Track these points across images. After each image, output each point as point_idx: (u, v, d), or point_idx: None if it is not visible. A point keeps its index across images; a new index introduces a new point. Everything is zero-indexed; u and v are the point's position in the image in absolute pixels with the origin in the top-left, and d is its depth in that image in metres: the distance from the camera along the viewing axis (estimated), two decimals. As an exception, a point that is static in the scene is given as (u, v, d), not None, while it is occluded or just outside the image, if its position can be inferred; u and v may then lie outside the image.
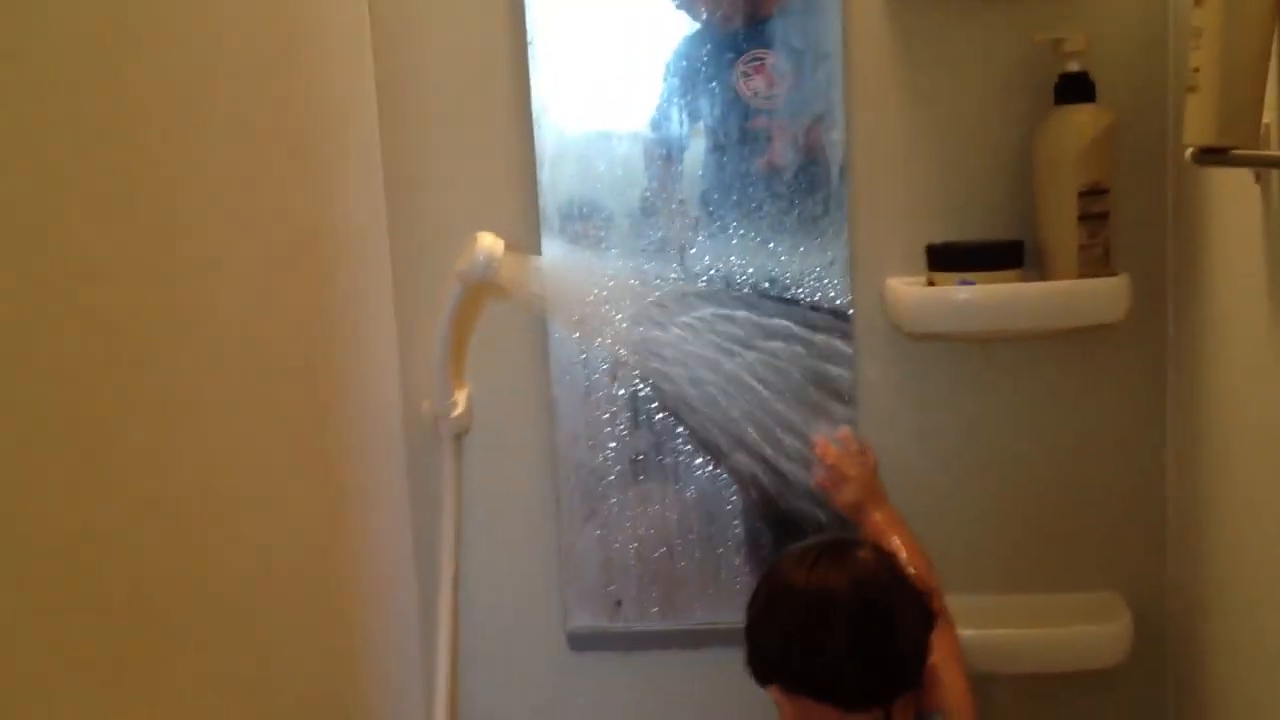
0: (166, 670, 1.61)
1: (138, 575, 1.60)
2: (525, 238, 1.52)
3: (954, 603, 1.48)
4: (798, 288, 1.50)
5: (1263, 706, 1.17)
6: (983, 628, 1.44)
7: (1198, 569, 1.40)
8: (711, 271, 1.51)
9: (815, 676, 1.18)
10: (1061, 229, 1.40)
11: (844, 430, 1.44)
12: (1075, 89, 1.39)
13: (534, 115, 1.50)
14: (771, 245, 1.50)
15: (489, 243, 1.45)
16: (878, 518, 1.39)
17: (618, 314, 1.52)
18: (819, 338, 1.50)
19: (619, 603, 1.56)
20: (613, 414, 1.54)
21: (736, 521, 1.54)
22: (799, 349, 1.51)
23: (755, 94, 1.49)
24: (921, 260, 1.46)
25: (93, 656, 1.50)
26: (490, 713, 1.62)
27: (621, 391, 1.53)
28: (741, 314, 1.51)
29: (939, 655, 1.23)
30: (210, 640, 1.62)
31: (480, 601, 1.60)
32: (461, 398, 1.55)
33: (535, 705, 1.62)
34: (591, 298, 1.52)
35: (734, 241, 1.50)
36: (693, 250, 1.51)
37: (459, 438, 1.57)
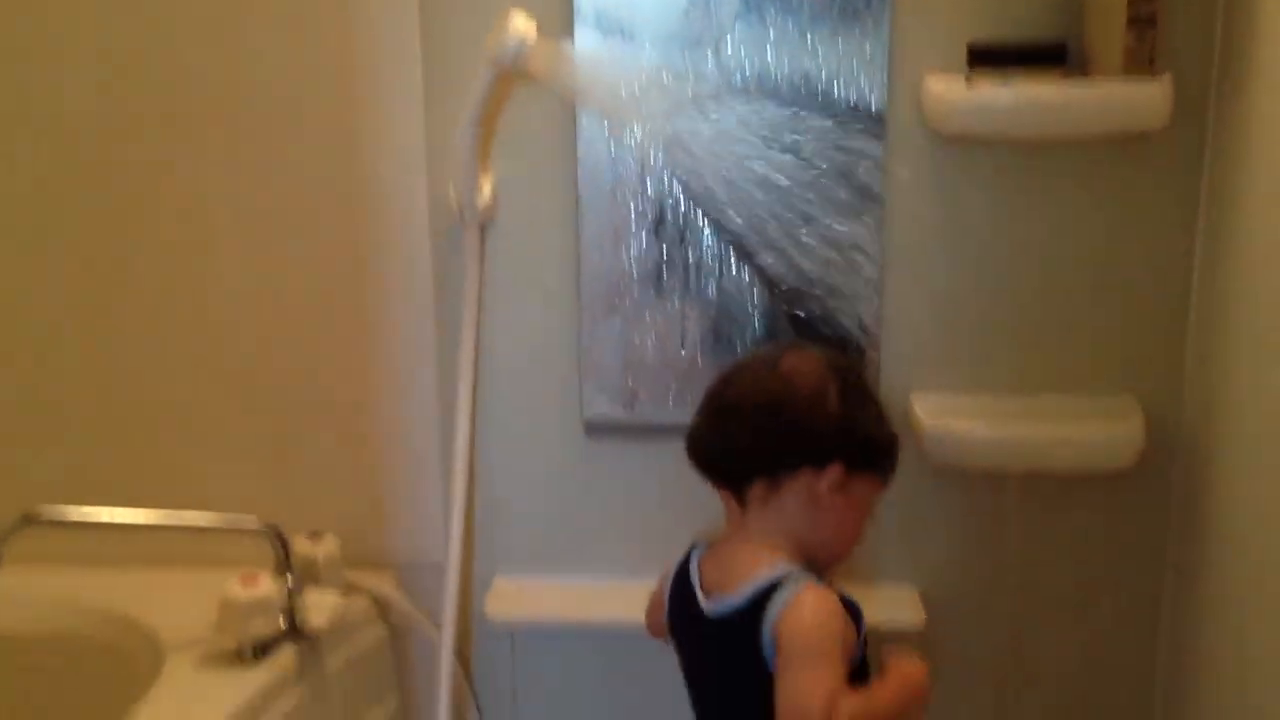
0: (200, 439, 1.66)
1: (167, 356, 1.63)
2: (558, 26, 1.48)
3: (970, 402, 1.52)
4: (833, 85, 1.47)
5: (1270, 521, 1.20)
6: (997, 426, 1.46)
7: (1216, 378, 1.41)
8: (746, 65, 1.47)
9: None
10: (1109, 31, 1.36)
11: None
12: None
13: (570, -103, 1.44)
14: (809, 38, 1.45)
15: (521, 24, 1.41)
16: None
17: (649, 107, 1.49)
18: (852, 138, 1.48)
19: (635, 393, 1.58)
20: (639, 210, 1.52)
21: (757, 318, 1.54)
22: (830, 148, 1.48)
23: (799, -124, 1.42)
24: (962, 59, 1.42)
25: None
26: (506, 496, 1.66)
27: (649, 187, 1.52)
28: (774, 110, 1.48)
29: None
30: (235, 423, 1.65)
31: (500, 389, 1.62)
32: (488, 187, 1.53)
33: (550, 489, 1.65)
34: (623, 89, 1.49)
35: (771, 33, 1.46)
36: (728, 43, 1.46)
37: (484, 227, 1.55)
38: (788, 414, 1.22)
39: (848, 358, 1.30)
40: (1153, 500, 1.56)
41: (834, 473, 1.21)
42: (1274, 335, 1.23)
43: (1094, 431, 1.48)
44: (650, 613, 1.40)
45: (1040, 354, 1.54)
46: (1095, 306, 1.52)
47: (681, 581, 1.31)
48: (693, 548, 1.33)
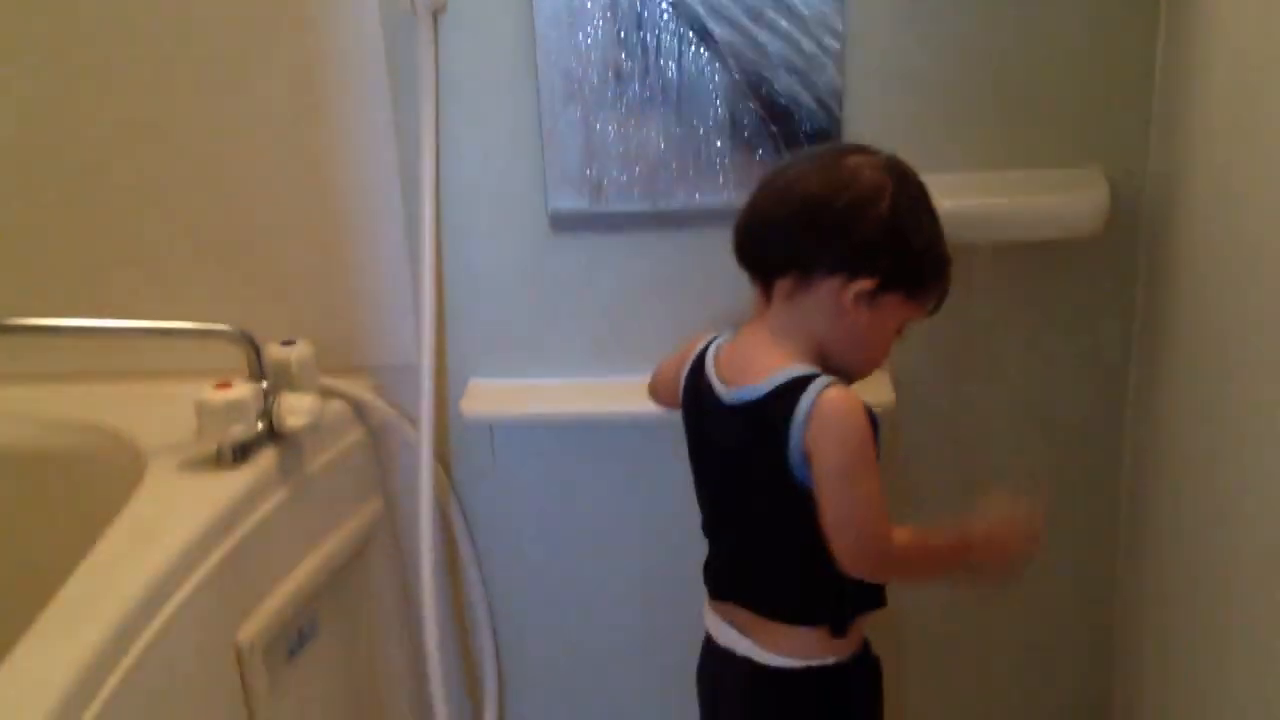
0: (164, 254, 1.65)
1: (128, 170, 1.61)
2: None
3: (939, 180, 1.51)
4: None
5: (1234, 278, 1.21)
6: (965, 198, 1.46)
7: (1179, 146, 1.40)
8: None
9: None
10: None
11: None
12: None
13: None
14: None
15: None
16: None
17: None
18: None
19: (600, 184, 1.57)
20: (594, -12, 1.49)
21: (719, 101, 1.52)
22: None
23: None
24: None
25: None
26: (474, 291, 1.66)
27: (602, -36, 1.48)
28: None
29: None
30: (198, 236, 1.64)
31: (463, 185, 1.60)
32: (437, -29, 1.50)
33: (517, 285, 1.65)
34: None
35: None
36: None
37: (436, 15, 1.52)
38: (835, 208, 1.18)
39: (905, 164, 1.23)
40: (1120, 266, 1.57)
41: (863, 284, 1.18)
42: (1233, 100, 1.22)
43: (1059, 200, 1.48)
44: (660, 378, 1.40)
45: (1006, 129, 1.53)
46: (1060, 80, 1.51)
47: (698, 369, 1.29)
48: (715, 337, 1.31)
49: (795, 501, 1.18)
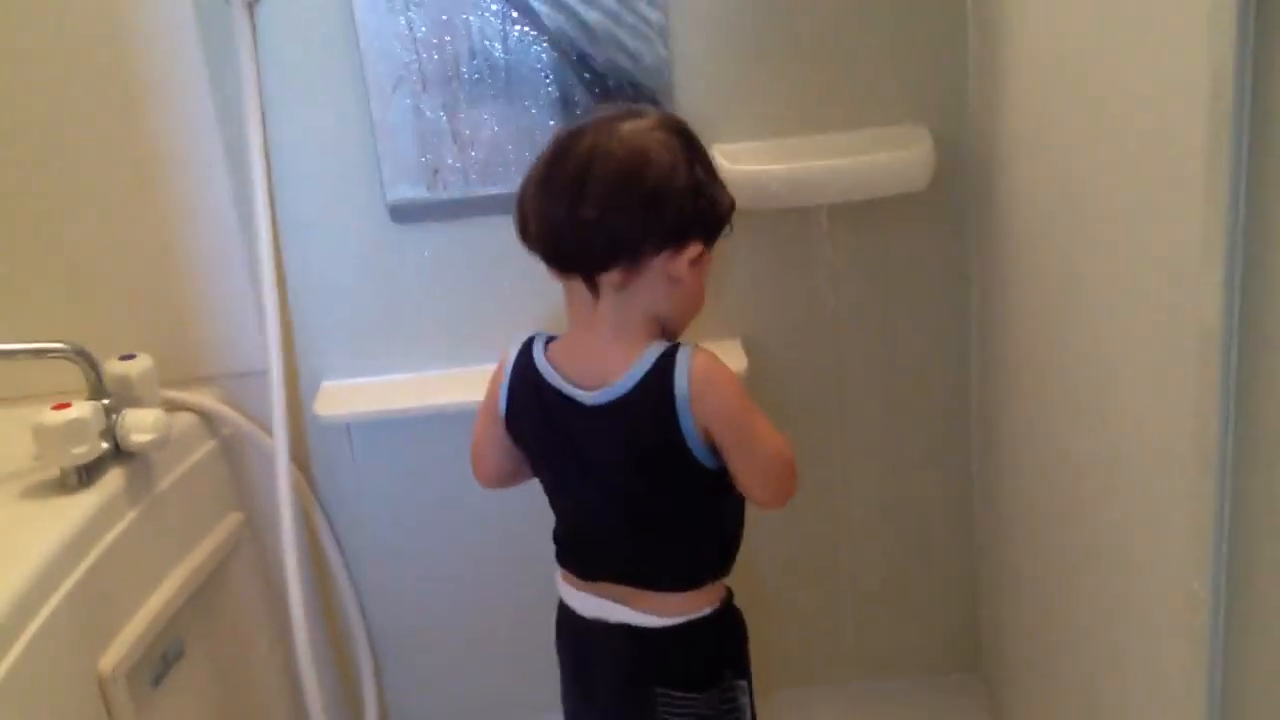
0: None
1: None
2: None
3: (770, 147, 1.54)
4: None
5: (1056, 219, 1.25)
6: (798, 161, 1.49)
7: (997, 96, 1.45)
8: None
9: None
10: None
11: None
12: None
13: None
14: None
15: None
16: None
17: None
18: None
19: (436, 171, 1.55)
20: (410, -31, 1.47)
21: (549, 79, 1.52)
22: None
23: None
24: None
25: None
26: (319, 290, 1.63)
27: (418, -55, 1.47)
28: None
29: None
30: (30, 255, 1.58)
31: (297, 180, 1.58)
32: (248, -40, 1.46)
33: (361, 278, 1.63)
34: None
35: None
36: None
37: (251, 6, 1.48)
38: (645, 190, 1.14)
39: (678, 117, 1.22)
40: (950, 218, 1.62)
41: (693, 250, 1.17)
42: (1042, 47, 1.26)
43: (888, 157, 1.52)
44: (481, 446, 1.35)
45: (830, 92, 1.57)
46: (878, 39, 1.54)
47: (528, 377, 1.26)
48: (529, 341, 1.28)
49: (694, 479, 1.20)
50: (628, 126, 1.16)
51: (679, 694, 1.27)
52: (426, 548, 1.76)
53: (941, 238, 1.63)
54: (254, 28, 1.49)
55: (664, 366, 1.17)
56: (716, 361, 1.19)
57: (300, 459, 1.70)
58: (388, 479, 1.72)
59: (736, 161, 1.51)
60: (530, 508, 1.50)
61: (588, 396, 1.21)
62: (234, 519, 1.64)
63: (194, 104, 1.52)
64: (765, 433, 1.22)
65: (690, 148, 1.18)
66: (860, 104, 1.56)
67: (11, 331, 1.51)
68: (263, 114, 1.52)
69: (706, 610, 1.27)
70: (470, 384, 1.59)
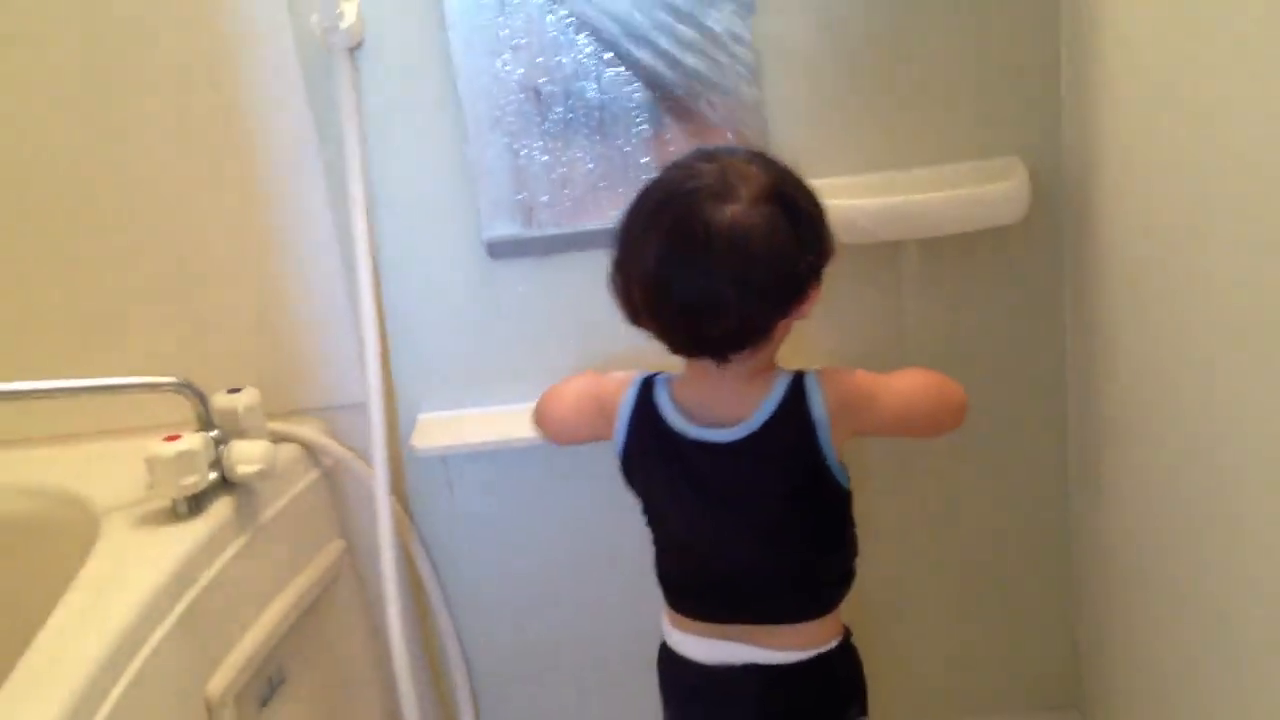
0: (104, 313, 1.64)
1: (67, 212, 1.60)
2: None
3: (861, 182, 1.54)
4: None
5: (1161, 255, 1.24)
6: (891, 195, 1.49)
7: (1091, 127, 1.44)
8: None
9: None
10: None
11: None
12: None
13: None
14: None
15: None
16: None
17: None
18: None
19: (531, 209, 1.58)
20: (507, 13, 1.51)
21: (640, 118, 1.55)
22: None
23: None
24: None
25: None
26: (415, 322, 1.67)
27: (516, -12, 1.50)
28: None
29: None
30: (139, 295, 1.64)
31: (396, 218, 1.61)
32: (350, 7, 1.50)
33: (458, 316, 1.66)
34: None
35: None
36: None
37: (352, 51, 1.53)
38: (773, 283, 1.17)
39: (767, 156, 1.23)
40: (1045, 253, 1.60)
41: (814, 294, 1.21)
42: (1143, 76, 1.25)
43: (981, 191, 1.51)
44: (558, 411, 1.40)
45: (922, 126, 1.56)
46: (970, 72, 1.54)
47: (651, 420, 1.28)
48: (648, 382, 1.31)
49: (834, 503, 1.27)
50: (732, 212, 1.14)
51: None
52: (523, 578, 1.79)
53: (1035, 273, 1.61)
54: (354, 70, 1.54)
55: (796, 395, 1.22)
56: (838, 377, 1.24)
57: (399, 490, 1.73)
58: (484, 510, 1.75)
59: (830, 196, 1.50)
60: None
61: (723, 435, 1.23)
62: (335, 547, 1.68)
63: (297, 145, 1.57)
64: (904, 388, 1.28)
65: (798, 192, 1.20)
66: (952, 137, 1.56)
67: (123, 366, 1.57)
68: (363, 154, 1.56)
69: (833, 643, 1.30)
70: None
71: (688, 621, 1.34)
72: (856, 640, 1.39)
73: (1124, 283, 1.37)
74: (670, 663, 1.38)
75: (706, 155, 1.22)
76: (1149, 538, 1.36)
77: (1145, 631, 1.42)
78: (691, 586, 1.35)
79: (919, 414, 1.29)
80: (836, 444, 1.23)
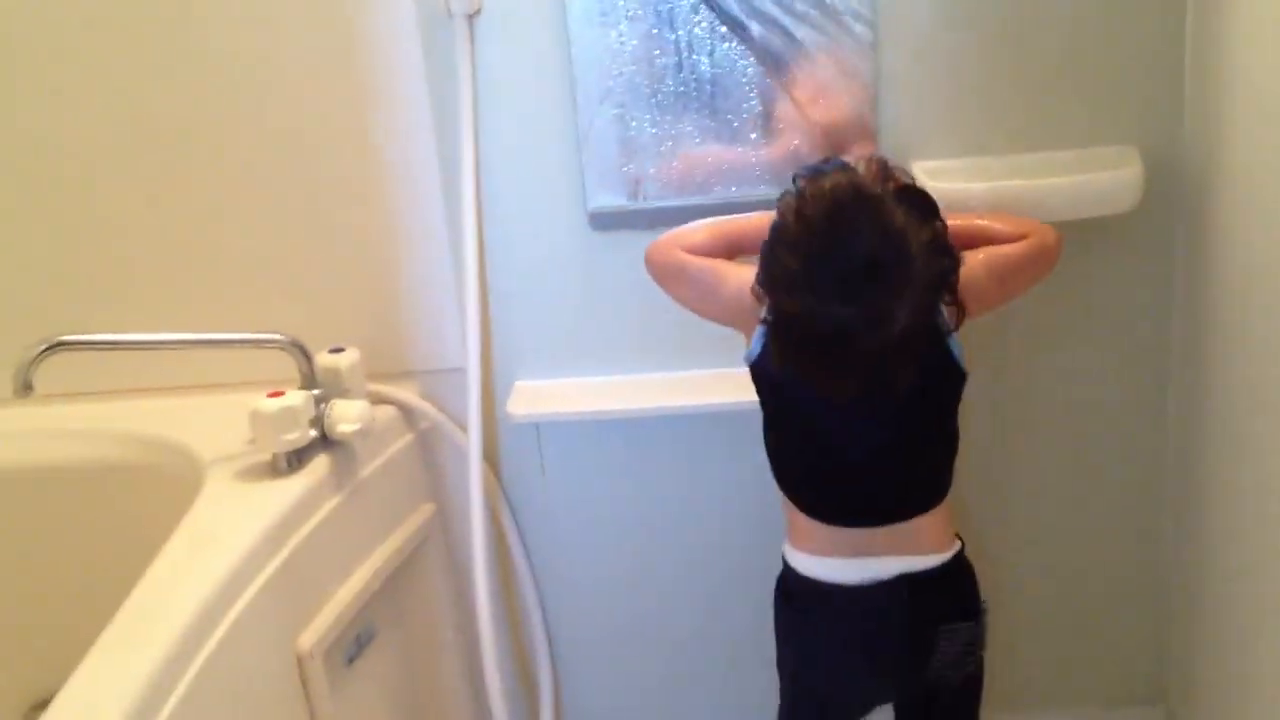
0: (214, 269, 1.67)
1: (182, 171, 1.63)
2: None
3: (973, 165, 1.51)
4: None
5: (1273, 250, 1.21)
6: (1002, 180, 1.46)
7: (1214, 118, 1.40)
8: None
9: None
10: None
11: None
12: None
13: None
14: None
15: None
16: None
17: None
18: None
19: (638, 181, 1.58)
20: (626, -14, 1.50)
21: (753, 94, 1.53)
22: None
23: None
24: None
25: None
26: (517, 293, 1.67)
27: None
28: None
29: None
30: (247, 249, 1.66)
31: (502, 185, 1.62)
32: (472, -25, 1.51)
33: (560, 284, 1.66)
34: None
35: None
36: None
37: (470, 17, 1.53)
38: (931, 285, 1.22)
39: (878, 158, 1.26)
40: (1158, 245, 1.57)
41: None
42: (1266, 73, 1.22)
43: (1097, 178, 1.48)
44: (709, 243, 1.42)
45: (1039, 110, 1.53)
46: (1092, 60, 1.51)
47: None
48: None
49: (956, 388, 1.34)
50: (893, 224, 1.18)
51: (959, 625, 1.36)
52: (608, 549, 1.79)
53: (1147, 265, 1.58)
54: (472, 38, 1.54)
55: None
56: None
57: (491, 454, 1.74)
58: (574, 480, 1.75)
59: (937, 179, 1.49)
60: (715, 523, 1.53)
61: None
62: (427, 509, 1.70)
63: (412, 110, 1.57)
64: (1006, 249, 1.36)
65: (926, 207, 1.22)
66: (1067, 123, 1.53)
67: (231, 322, 1.60)
68: (475, 120, 1.56)
69: (959, 545, 1.38)
70: (659, 390, 1.64)
71: (829, 545, 1.37)
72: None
73: (1239, 281, 1.33)
74: (809, 595, 1.40)
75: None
76: (1245, 539, 1.33)
77: (1233, 631, 1.39)
78: (833, 488, 1.37)
79: (1020, 282, 1.39)
80: (956, 331, 1.29)
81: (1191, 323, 1.53)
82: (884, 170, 1.23)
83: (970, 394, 1.62)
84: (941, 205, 1.25)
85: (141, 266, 1.68)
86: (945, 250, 1.22)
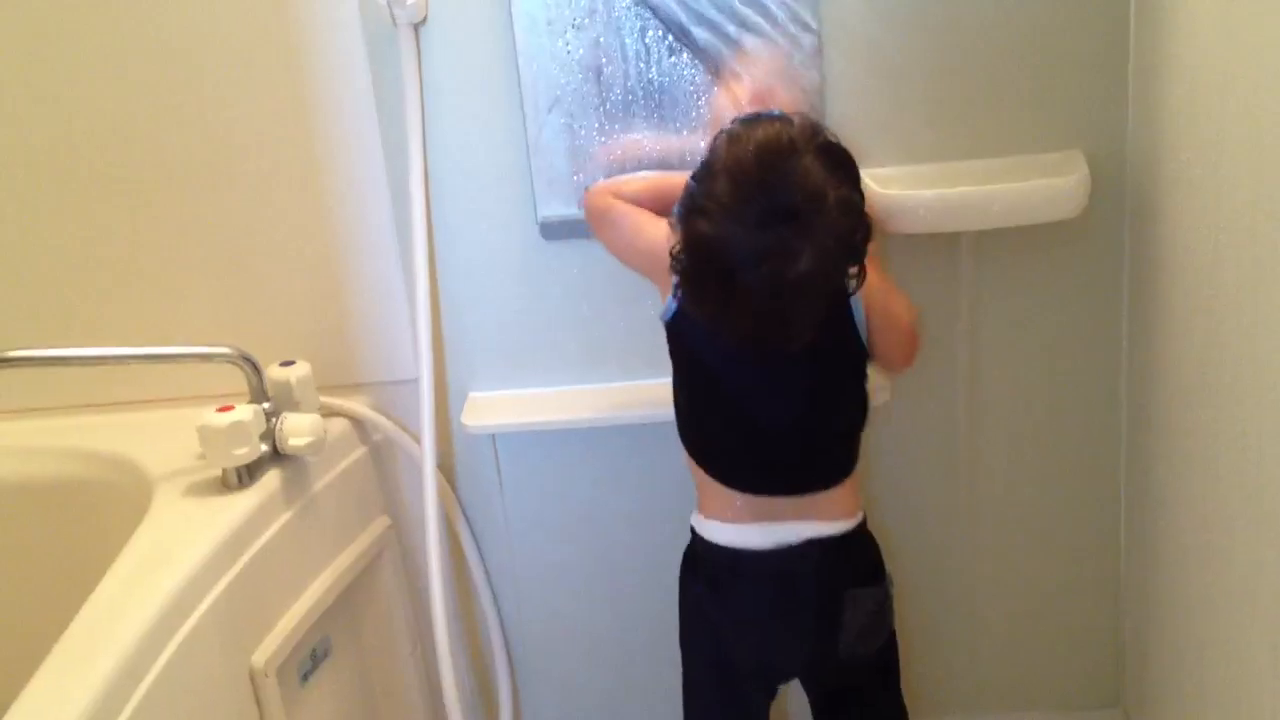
0: (161, 282, 1.66)
1: (126, 180, 1.61)
2: None
3: (920, 172, 1.53)
4: None
5: (1225, 255, 1.22)
6: (948, 187, 1.47)
7: (1158, 123, 1.42)
8: None
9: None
10: None
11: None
12: None
13: None
14: None
15: None
16: None
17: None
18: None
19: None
20: (572, -5, 1.50)
21: (701, 101, 1.54)
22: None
23: None
24: None
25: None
26: (469, 304, 1.66)
27: (578, -34, 1.49)
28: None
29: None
30: (194, 263, 1.65)
31: (452, 195, 1.61)
32: (416, -16, 1.51)
33: (512, 294, 1.65)
34: None
35: None
36: None
37: (416, 26, 1.53)
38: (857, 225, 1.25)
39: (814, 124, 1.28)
40: (1104, 249, 1.58)
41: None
42: (1209, 75, 1.23)
43: (1043, 184, 1.48)
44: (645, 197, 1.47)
45: (983, 117, 1.54)
46: (1036, 65, 1.52)
47: None
48: None
49: (860, 367, 1.41)
50: (804, 160, 1.23)
51: (864, 590, 1.40)
52: (565, 560, 1.79)
53: (1094, 268, 1.59)
54: (419, 48, 1.54)
55: None
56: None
57: (446, 467, 1.74)
58: (529, 489, 1.75)
59: (886, 186, 1.50)
60: (670, 528, 1.53)
61: None
62: (381, 522, 1.69)
63: (358, 120, 1.57)
64: (900, 303, 1.42)
65: (848, 170, 1.27)
66: (1012, 129, 1.54)
67: (178, 335, 1.58)
68: (423, 130, 1.56)
69: (861, 515, 1.42)
70: (613, 400, 1.63)
71: (736, 511, 1.40)
72: (903, 635, 1.46)
73: (1184, 281, 1.35)
74: (716, 562, 1.42)
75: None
76: (1199, 541, 1.34)
77: (1190, 634, 1.40)
78: (743, 455, 1.40)
79: (901, 330, 1.42)
80: (856, 295, 1.32)
81: (1139, 324, 1.55)
82: (815, 127, 1.26)
83: (923, 401, 1.65)
84: (885, 215, 1.34)
85: (87, 280, 1.67)
86: (858, 212, 1.25)
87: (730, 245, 1.22)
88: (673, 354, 1.43)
